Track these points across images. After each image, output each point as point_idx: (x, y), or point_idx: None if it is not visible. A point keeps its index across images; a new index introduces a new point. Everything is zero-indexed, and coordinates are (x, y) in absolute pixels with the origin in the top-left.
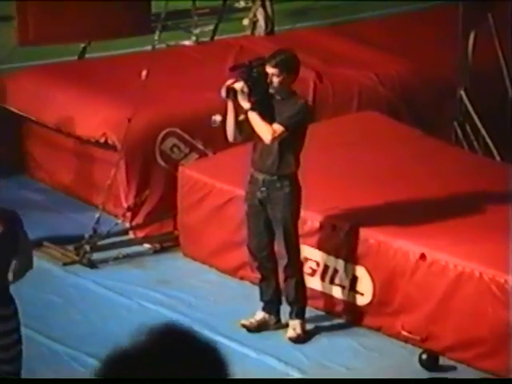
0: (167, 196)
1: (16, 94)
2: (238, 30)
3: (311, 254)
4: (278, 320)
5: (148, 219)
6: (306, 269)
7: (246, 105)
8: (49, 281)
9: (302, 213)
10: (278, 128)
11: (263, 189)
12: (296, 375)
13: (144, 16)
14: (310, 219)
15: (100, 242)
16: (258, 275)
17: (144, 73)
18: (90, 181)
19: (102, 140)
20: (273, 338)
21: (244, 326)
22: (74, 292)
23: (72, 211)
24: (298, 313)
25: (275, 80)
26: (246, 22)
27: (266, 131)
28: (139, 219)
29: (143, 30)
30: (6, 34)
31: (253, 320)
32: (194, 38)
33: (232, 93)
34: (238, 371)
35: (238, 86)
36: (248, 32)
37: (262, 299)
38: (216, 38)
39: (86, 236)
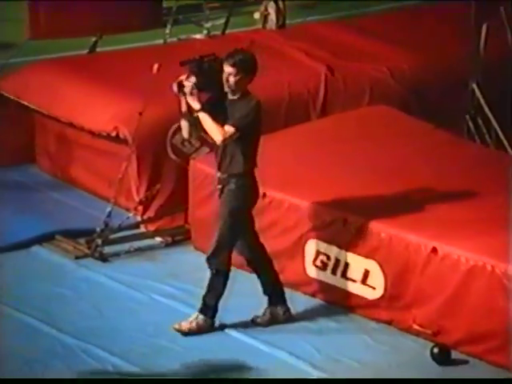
0: (178, 190)
1: (27, 88)
2: (250, 23)
3: (322, 248)
4: (287, 310)
5: (159, 213)
6: (318, 262)
7: (195, 105)
8: (60, 274)
9: (313, 207)
10: (228, 129)
11: (219, 187)
12: (308, 369)
13: (155, 10)
14: (321, 213)
15: (111, 236)
16: None
17: (155, 66)
18: (102, 174)
19: (114, 134)
20: (284, 332)
21: (254, 322)
22: (85, 285)
23: (84, 205)
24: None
25: (231, 79)
26: (257, 15)
27: (216, 132)
28: (150, 213)
29: (155, 23)
30: (17, 28)
31: (262, 315)
32: (205, 32)
33: (183, 89)
34: (249, 365)
35: (188, 84)
36: (259, 26)
37: (264, 293)
38: (227, 31)
39: (98, 229)
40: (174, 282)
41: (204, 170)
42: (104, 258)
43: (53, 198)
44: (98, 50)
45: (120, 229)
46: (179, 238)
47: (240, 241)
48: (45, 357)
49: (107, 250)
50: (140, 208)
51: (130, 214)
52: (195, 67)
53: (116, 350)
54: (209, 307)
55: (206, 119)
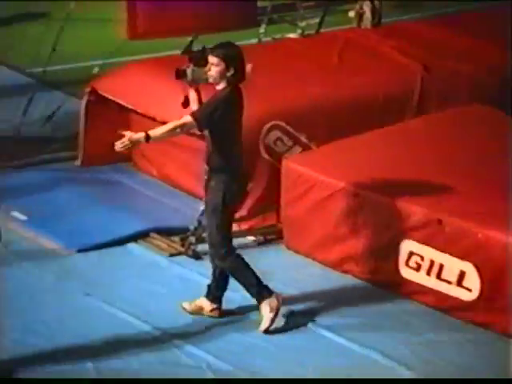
0: (271, 189)
1: (124, 87)
2: (344, 22)
3: (416, 249)
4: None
5: (252, 212)
6: (412, 263)
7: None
8: (155, 271)
9: (408, 207)
10: (183, 118)
11: (205, 177)
12: (401, 370)
13: (250, 9)
14: (415, 213)
15: (205, 234)
16: (362, 269)
17: (249, 66)
18: (196, 173)
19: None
20: (376, 332)
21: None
22: (178, 283)
23: (178, 203)
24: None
25: (212, 69)
26: (352, 14)
27: (173, 123)
28: (243, 212)
29: (249, 23)
30: (115, 29)
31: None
32: (299, 31)
33: (182, 74)
34: (341, 365)
35: (189, 72)
36: (354, 24)
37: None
38: (322, 30)
39: (192, 228)
40: (266, 280)
41: (296, 169)
42: (197, 256)
43: (148, 197)
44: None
45: None
46: (271, 237)
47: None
48: (139, 352)
49: (200, 248)
50: None
51: None
52: (194, 58)
53: (209, 347)
54: (259, 294)
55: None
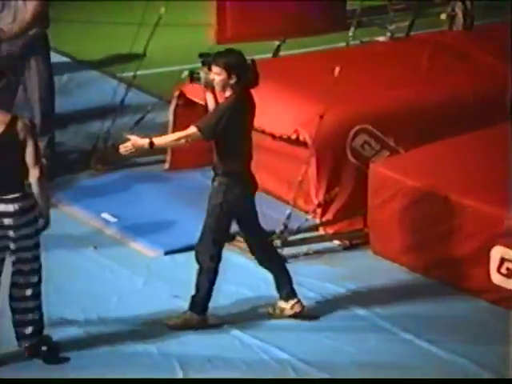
0: (357, 193)
1: None
2: (435, 25)
3: (508, 255)
4: (296, 302)
5: (338, 216)
6: (503, 270)
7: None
8: (241, 274)
9: (498, 212)
10: (189, 129)
11: (211, 183)
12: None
13: (340, 12)
14: (506, 219)
15: (290, 238)
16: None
17: (337, 69)
18: (281, 177)
19: (294, 137)
20: (464, 338)
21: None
22: (264, 286)
23: (263, 206)
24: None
25: (216, 78)
26: (443, 16)
27: (179, 135)
28: (329, 216)
29: (339, 26)
30: (204, 33)
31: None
32: (388, 34)
33: (196, 77)
34: (427, 373)
35: (202, 75)
36: (445, 27)
37: (278, 290)
38: (412, 33)
39: (277, 231)
40: (351, 285)
41: (384, 173)
42: (283, 260)
43: None
44: (282, 53)
45: (298, 231)
46: (357, 241)
47: (248, 242)
48: (226, 354)
49: (286, 251)
50: (319, 211)
51: (309, 217)
52: (207, 62)
53: (295, 351)
54: (197, 304)
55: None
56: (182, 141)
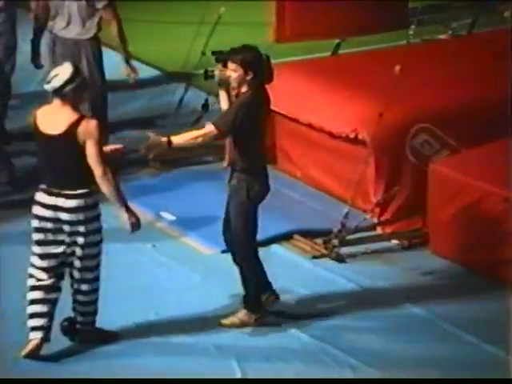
0: (416, 192)
1: (270, 90)
2: (498, 22)
3: None
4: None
5: (397, 215)
6: None
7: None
8: (298, 273)
9: None
10: (207, 127)
11: (228, 182)
12: None
13: (401, 10)
14: None
15: (348, 237)
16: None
17: (397, 68)
18: (340, 176)
19: (353, 135)
20: None
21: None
22: (321, 285)
23: (321, 206)
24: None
25: (232, 74)
26: (508, 13)
27: (197, 134)
28: (388, 215)
29: (400, 24)
30: (263, 32)
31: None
32: (450, 32)
33: (210, 75)
34: (486, 374)
35: (216, 73)
36: (508, 25)
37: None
38: (474, 31)
39: (335, 230)
40: (410, 285)
41: (444, 172)
42: (341, 259)
43: (292, 199)
44: (341, 51)
45: (357, 230)
46: (416, 241)
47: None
48: (284, 354)
49: (344, 250)
50: (377, 210)
51: (367, 216)
52: (221, 59)
53: (353, 351)
54: (250, 303)
55: (180, 137)
56: (200, 139)
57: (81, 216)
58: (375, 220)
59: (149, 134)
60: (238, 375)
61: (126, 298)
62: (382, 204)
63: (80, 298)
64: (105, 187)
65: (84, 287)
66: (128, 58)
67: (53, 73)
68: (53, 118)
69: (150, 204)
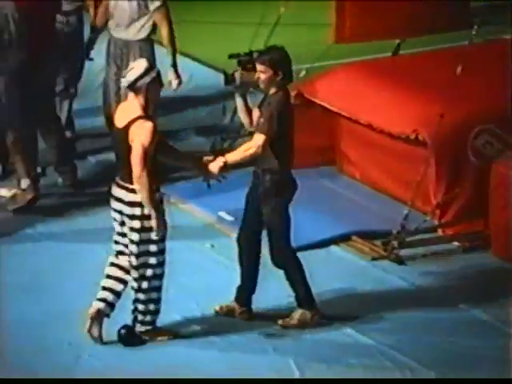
0: (478, 193)
1: (329, 91)
2: None
3: None
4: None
5: (458, 217)
6: None
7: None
8: (356, 274)
9: None
10: (258, 139)
11: (253, 180)
12: None
13: (463, 10)
14: None
15: (408, 239)
16: None
17: (459, 68)
18: (399, 177)
19: (413, 136)
20: None
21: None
22: (380, 287)
23: (381, 207)
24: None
25: (262, 76)
26: None
27: (249, 149)
28: (448, 217)
29: (461, 24)
30: (323, 32)
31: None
32: None
33: (231, 79)
34: None
35: (237, 76)
36: None
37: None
38: None
39: (394, 232)
40: (471, 287)
41: (507, 173)
42: (400, 261)
43: (351, 200)
44: (401, 52)
45: (417, 232)
46: (477, 243)
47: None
48: (342, 354)
49: (403, 252)
50: (437, 212)
51: (428, 218)
52: (242, 62)
53: (411, 352)
54: (303, 301)
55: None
56: (252, 150)
57: (137, 211)
58: (436, 222)
59: (207, 159)
60: (297, 375)
61: (184, 297)
62: (443, 205)
63: (140, 296)
64: (139, 188)
65: (144, 285)
66: (175, 63)
67: (129, 67)
68: (123, 112)
69: (210, 204)
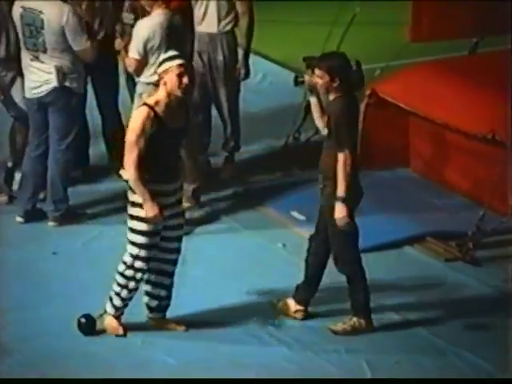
0: None
1: (404, 90)
2: None
3: None
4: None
5: None
6: None
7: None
8: (431, 275)
9: None
10: (345, 157)
11: (320, 186)
12: None
13: None
14: None
15: (484, 240)
16: None
17: None
18: (475, 177)
19: (490, 136)
20: None
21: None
22: (454, 289)
23: (456, 207)
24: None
25: (319, 81)
26: None
27: (344, 171)
28: None
29: None
30: (398, 31)
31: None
32: None
33: (300, 81)
34: None
35: (306, 79)
36: None
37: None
38: None
39: (470, 233)
40: None
41: None
42: (476, 262)
43: (425, 200)
44: (479, 50)
45: (493, 233)
46: None
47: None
48: (414, 355)
49: (479, 254)
50: None
51: (504, 219)
52: (311, 65)
53: (487, 356)
54: (359, 309)
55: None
56: (348, 169)
57: (134, 198)
58: None
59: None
60: (368, 375)
61: (255, 296)
62: None
63: (166, 281)
64: (125, 174)
65: (171, 268)
66: (247, 55)
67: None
68: None
69: (281, 204)
